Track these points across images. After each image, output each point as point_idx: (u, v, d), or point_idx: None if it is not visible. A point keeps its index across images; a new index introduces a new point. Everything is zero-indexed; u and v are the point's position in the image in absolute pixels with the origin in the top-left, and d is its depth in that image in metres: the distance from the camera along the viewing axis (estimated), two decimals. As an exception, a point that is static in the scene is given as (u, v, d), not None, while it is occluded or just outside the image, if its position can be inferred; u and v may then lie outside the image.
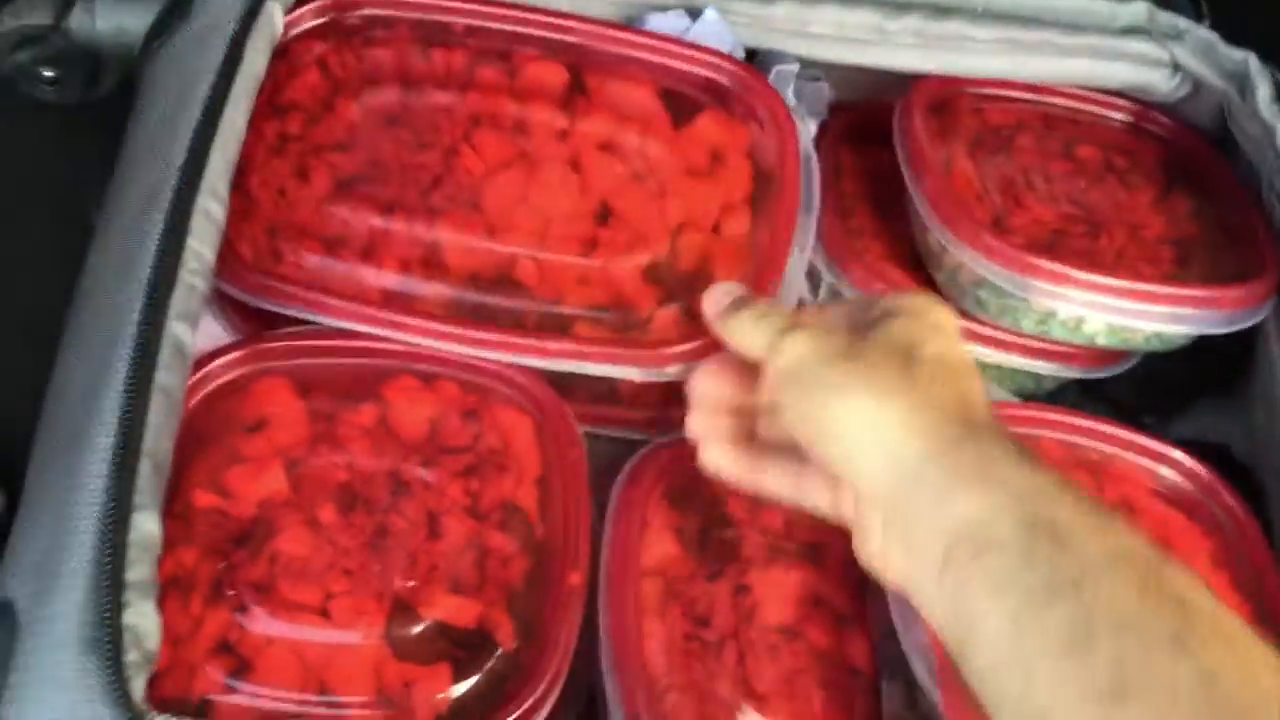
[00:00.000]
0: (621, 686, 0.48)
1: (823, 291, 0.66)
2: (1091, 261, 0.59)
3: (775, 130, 0.59)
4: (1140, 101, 0.68)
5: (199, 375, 0.51)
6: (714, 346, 0.50)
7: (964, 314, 0.63)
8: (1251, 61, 0.62)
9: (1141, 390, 0.68)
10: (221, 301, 0.58)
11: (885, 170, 0.64)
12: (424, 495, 0.50)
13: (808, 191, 0.58)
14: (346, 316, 0.53)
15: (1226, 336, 0.64)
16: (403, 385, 0.53)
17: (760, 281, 0.55)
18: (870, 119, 0.68)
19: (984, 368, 0.66)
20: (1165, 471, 0.58)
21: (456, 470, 0.51)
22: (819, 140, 0.69)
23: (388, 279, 0.54)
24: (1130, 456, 0.58)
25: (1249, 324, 0.60)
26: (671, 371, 0.53)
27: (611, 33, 0.60)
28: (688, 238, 0.57)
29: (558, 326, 0.54)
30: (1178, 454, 0.58)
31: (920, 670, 0.49)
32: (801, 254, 0.56)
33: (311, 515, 0.49)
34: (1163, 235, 0.63)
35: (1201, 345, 0.65)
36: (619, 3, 0.62)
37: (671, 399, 0.58)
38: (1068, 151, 0.66)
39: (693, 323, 0.54)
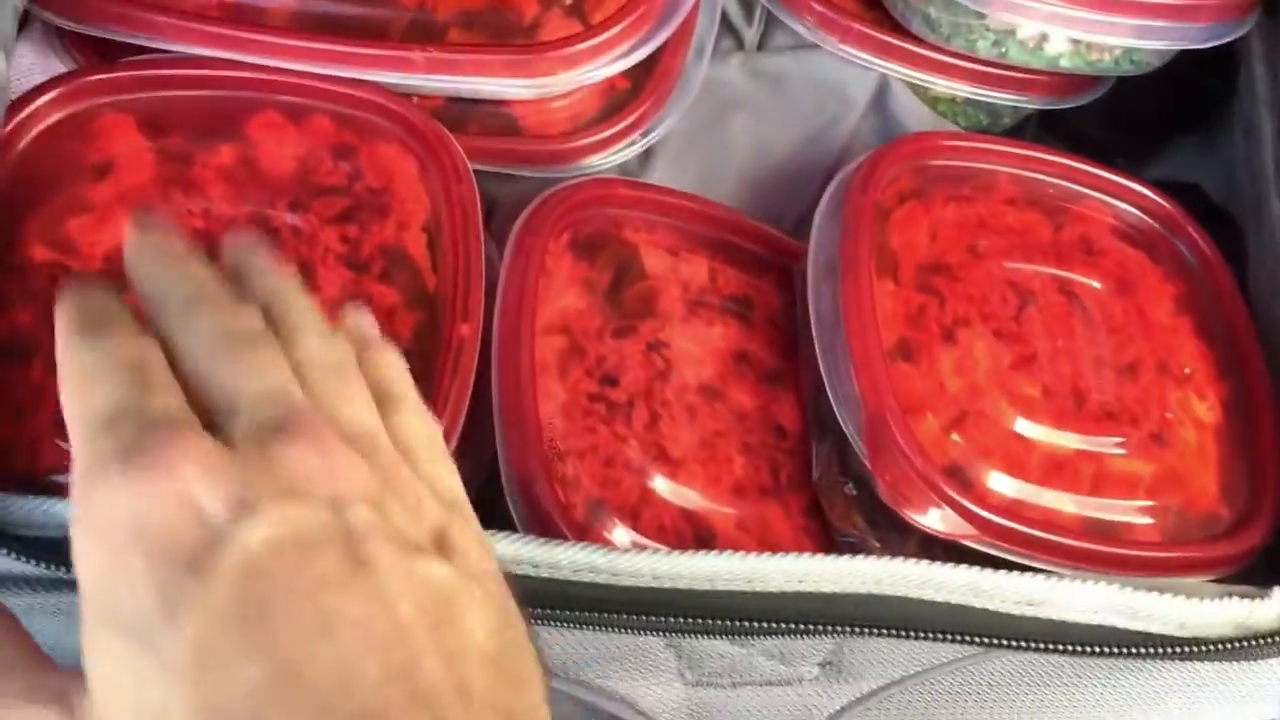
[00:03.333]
0: (512, 453, 0.43)
1: (757, 17, 0.59)
2: (1056, -30, 0.52)
3: None
4: None
5: (28, 111, 0.44)
6: (604, 49, 0.43)
7: (913, 38, 0.56)
8: None
9: (1111, 125, 0.62)
10: (66, 42, 0.51)
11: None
12: (294, 243, 0.44)
13: None
14: (182, 36, 0.46)
15: (1205, 68, 0.58)
16: (266, 120, 0.46)
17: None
18: None
19: (933, 102, 0.59)
20: (1128, 208, 0.53)
21: (331, 215, 0.45)
22: None
23: (226, -8, 0.47)
24: (1090, 193, 0.52)
25: (1230, 38, 0.53)
26: (561, 81, 0.47)
27: None
28: (577, -65, 0.49)
29: (427, 36, 0.47)
30: (1143, 189, 0.53)
31: (849, 427, 0.44)
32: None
33: (165, 267, 0.43)
34: (1136, -54, 0.55)
35: (1177, 76, 0.58)
36: None
37: (579, 129, 0.52)
38: None
39: (585, 27, 0.47)
